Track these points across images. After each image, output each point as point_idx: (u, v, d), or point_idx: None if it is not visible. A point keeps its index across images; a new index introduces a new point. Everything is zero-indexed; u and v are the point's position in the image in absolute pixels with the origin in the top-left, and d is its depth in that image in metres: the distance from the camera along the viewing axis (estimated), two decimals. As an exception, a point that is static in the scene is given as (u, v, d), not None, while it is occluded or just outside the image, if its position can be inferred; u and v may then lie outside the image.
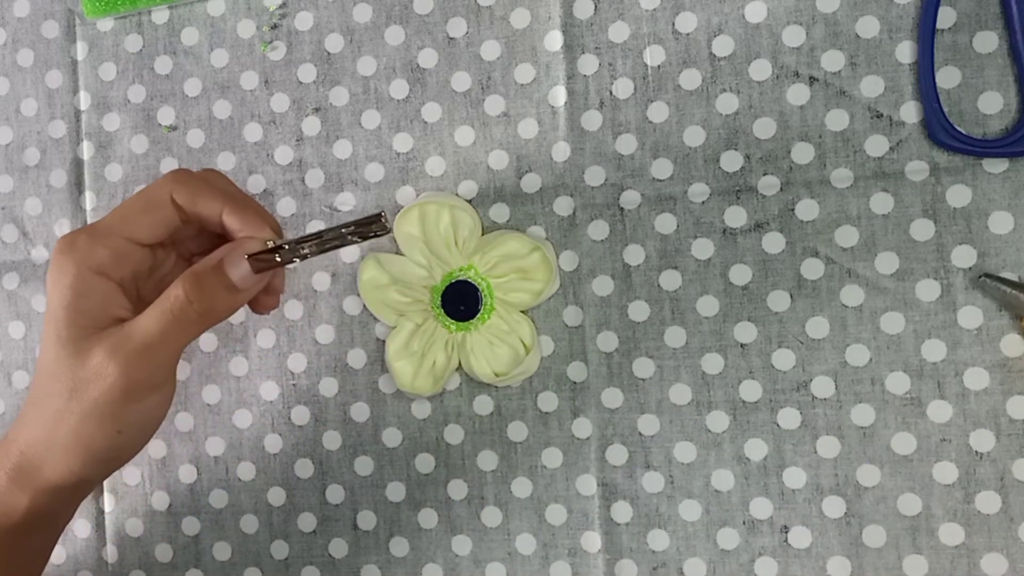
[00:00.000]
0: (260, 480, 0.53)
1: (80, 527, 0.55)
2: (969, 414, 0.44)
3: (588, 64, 0.48)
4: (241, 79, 0.53)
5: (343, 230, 0.39)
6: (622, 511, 0.48)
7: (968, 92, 0.44)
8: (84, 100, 0.55)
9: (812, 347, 0.46)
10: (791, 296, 0.46)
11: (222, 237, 0.41)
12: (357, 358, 0.51)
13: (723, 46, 0.47)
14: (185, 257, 0.43)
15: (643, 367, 0.48)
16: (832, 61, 0.46)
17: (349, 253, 0.51)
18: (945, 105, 0.44)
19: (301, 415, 0.52)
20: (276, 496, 0.53)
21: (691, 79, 0.47)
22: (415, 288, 0.49)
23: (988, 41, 0.44)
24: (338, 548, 0.52)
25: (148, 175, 0.54)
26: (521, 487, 0.49)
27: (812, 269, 0.46)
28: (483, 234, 0.49)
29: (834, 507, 0.46)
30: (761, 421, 0.47)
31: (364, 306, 0.51)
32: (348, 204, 0.51)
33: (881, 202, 0.45)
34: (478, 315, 0.49)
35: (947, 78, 0.44)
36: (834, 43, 0.46)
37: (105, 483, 0.55)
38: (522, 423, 0.49)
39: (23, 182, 0.55)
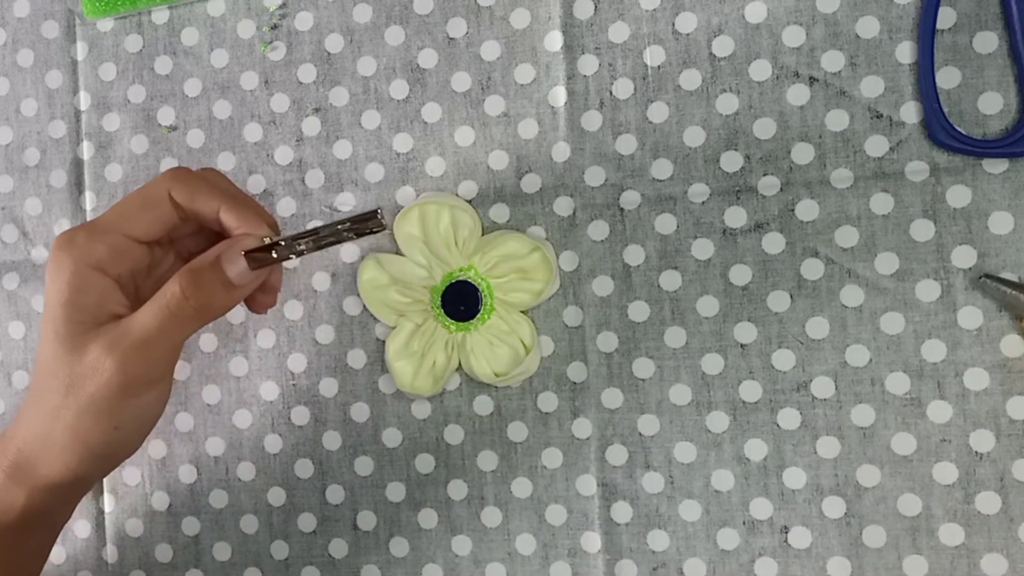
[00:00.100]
0: (260, 480, 0.53)
1: (80, 527, 0.55)
2: (969, 414, 0.44)
3: (588, 64, 0.48)
4: (241, 79, 0.53)
5: (339, 227, 0.39)
6: (622, 511, 0.48)
7: (968, 92, 0.44)
8: (84, 100, 0.55)
9: (812, 347, 0.46)
10: (791, 296, 0.46)
11: (220, 236, 0.41)
12: (357, 358, 0.51)
13: (723, 46, 0.47)
14: (183, 256, 0.43)
15: (643, 367, 0.48)
16: (832, 61, 0.46)
17: (349, 253, 0.51)
18: (945, 105, 0.44)
19: (301, 415, 0.52)
20: (276, 496, 0.53)
21: (691, 79, 0.47)
22: (415, 288, 0.49)
23: (988, 41, 0.44)
24: (338, 548, 0.52)
25: (148, 175, 0.54)
26: (521, 487, 0.49)
27: (812, 269, 0.46)
28: (483, 234, 0.49)
29: (834, 507, 0.46)
30: (761, 421, 0.47)
31: (364, 306, 0.51)
32: (348, 204, 0.51)
33: (881, 202, 0.45)
34: (478, 315, 0.49)
35: (947, 78, 0.44)
36: (834, 43, 0.46)
37: (105, 483, 0.55)
38: (522, 423, 0.49)
39: (23, 182, 0.55)
